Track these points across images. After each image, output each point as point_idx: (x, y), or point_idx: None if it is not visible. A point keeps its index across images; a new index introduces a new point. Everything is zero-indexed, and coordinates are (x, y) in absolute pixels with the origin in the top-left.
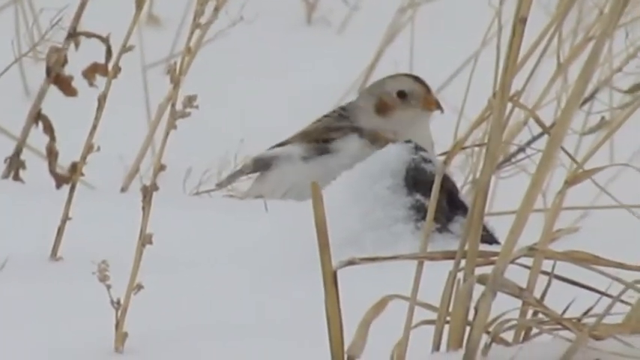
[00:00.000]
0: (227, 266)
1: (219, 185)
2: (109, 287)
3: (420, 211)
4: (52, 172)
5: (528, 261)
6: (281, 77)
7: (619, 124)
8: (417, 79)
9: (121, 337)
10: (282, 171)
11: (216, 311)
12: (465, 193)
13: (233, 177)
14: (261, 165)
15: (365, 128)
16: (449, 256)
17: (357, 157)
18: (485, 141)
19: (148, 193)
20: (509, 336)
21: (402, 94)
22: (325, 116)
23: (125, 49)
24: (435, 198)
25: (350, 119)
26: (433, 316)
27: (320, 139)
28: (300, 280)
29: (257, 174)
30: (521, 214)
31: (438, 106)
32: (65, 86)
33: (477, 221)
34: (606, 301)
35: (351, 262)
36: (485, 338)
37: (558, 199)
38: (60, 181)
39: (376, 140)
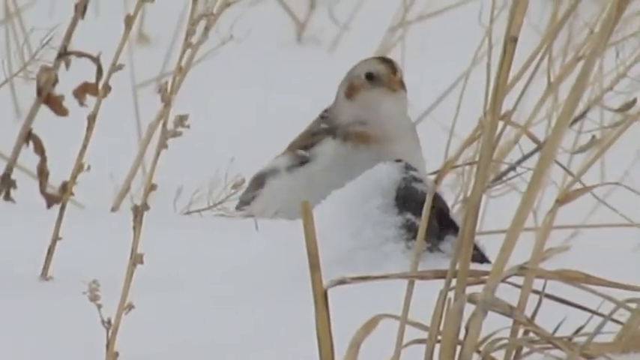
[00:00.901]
0: (218, 285)
1: (238, 208)
2: (99, 307)
3: (410, 230)
4: (43, 191)
5: (519, 280)
6: (272, 97)
7: (610, 143)
8: (384, 60)
9: (112, 357)
10: (270, 187)
11: (206, 331)
12: (455, 212)
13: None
14: (258, 183)
15: (340, 126)
16: (440, 275)
17: (334, 159)
18: (476, 160)
19: (138, 212)
20: (500, 355)
21: (369, 76)
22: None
23: (115, 68)
24: (425, 217)
25: (329, 118)
26: (424, 335)
27: (302, 146)
28: (290, 299)
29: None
30: (511, 233)
31: (402, 86)
32: (56, 106)
33: (468, 240)
34: (597, 319)
35: (341, 282)
36: (476, 357)
37: (549, 218)
38: (51, 200)
39: (348, 137)
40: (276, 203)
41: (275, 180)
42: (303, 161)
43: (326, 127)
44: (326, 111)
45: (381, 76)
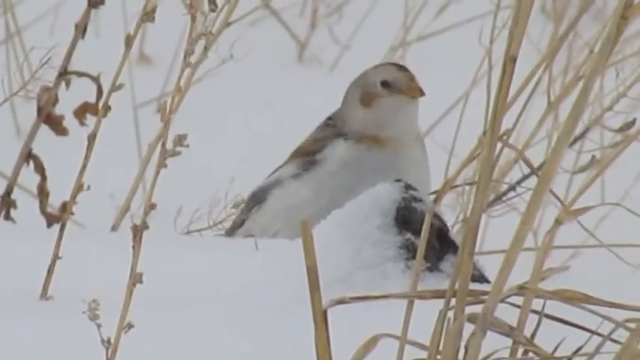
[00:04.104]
0: (218, 305)
1: (231, 229)
2: (99, 326)
3: (410, 250)
4: (43, 211)
5: (519, 300)
6: (272, 116)
7: (609, 163)
8: (400, 67)
9: None
10: (273, 198)
11: (206, 350)
12: (455, 232)
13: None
14: (258, 199)
15: (350, 131)
16: (439, 294)
17: (346, 160)
18: (476, 180)
19: (138, 232)
20: None
21: (385, 84)
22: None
23: (116, 88)
24: (425, 237)
25: (337, 126)
26: (423, 354)
27: (309, 151)
28: (290, 318)
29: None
30: (511, 253)
31: (422, 93)
32: (56, 125)
33: (467, 260)
34: (597, 340)
35: (341, 301)
36: None
37: (549, 238)
38: (51, 220)
39: (362, 139)
40: (281, 216)
41: (279, 190)
42: (311, 167)
43: (334, 132)
44: (330, 118)
45: (398, 83)
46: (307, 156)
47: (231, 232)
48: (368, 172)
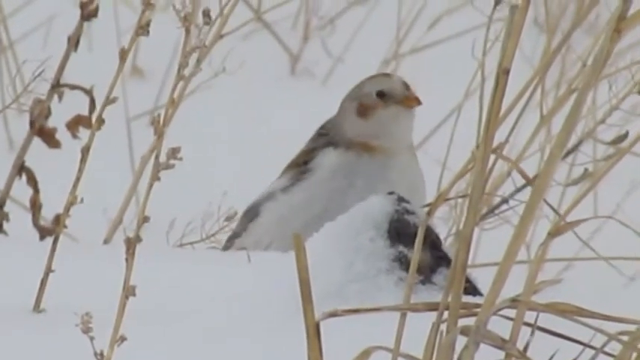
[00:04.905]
0: (210, 318)
1: (227, 243)
2: (92, 339)
3: (403, 262)
4: (36, 224)
5: (511, 312)
6: (265, 129)
7: (602, 175)
8: (395, 77)
9: None
10: (266, 211)
11: None
12: (448, 245)
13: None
14: (253, 214)
15: (342, 139)
16: (432, 307)
17: (336, 167)
18: (469, 192)
19: (131, 244)
20: None
21: (381, 94)
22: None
23: (109, 100)
24: (418, 250)
25: (330, 135)
26: None
27: (300, 163)
28: (282, 332)
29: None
30: (504, 266)
31: (419, 102)
32: (49, 138)
33: (460, 273)
34: (589, 352)
35: (333, 314)
36: None
37: (541, 251)
38: (43, 233)
39: (351, 146)
40: (275, 227)
41: (272, 203)
42: (302, 176)
43: (325, 141)
44: (322, 127)
45: (394, 93)
46: (299, 167)
47: (227, 246)
48: (359, 177)
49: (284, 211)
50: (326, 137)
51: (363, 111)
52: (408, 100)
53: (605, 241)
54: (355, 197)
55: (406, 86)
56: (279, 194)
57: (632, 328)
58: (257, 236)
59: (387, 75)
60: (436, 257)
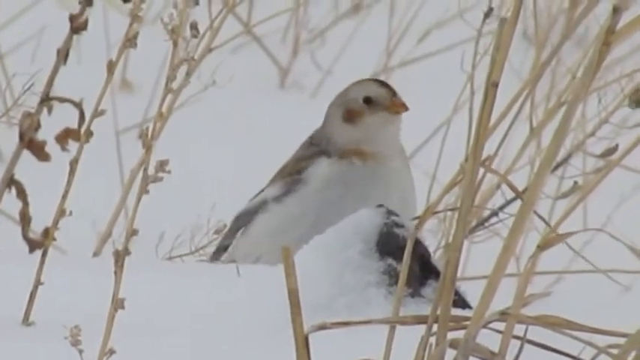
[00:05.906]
0: (199, 331)
1: (215, 254)
2: (81, 352)
3: (392, 275)
4: (25, 237)
5: (500, 325)
6: (254, 142)
7: (592, 188)
8: (381, 83)
9: None
10: (259, 221)
11: None
12: (437, 258)
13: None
14: (243, 222)
15: (333, 149)
16: (421, 320)
17: (329, 177)
18: (458, 205)
19: (120, 257)
20: None
21: (367, 100)
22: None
23: (98, 113)
24: (407, 263)
25: (320, 145)
26: None
27: (293, 171)
28: (271, 345)
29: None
30: (493, 279)
31: (405, 108)
32: (38, 151)
33: (449, 286)
34: None
35: (322, 327)
36: None
37: (531, 264)
38: (33, 246)
39: (344, 155)
40: (267, 240)
41: (264, 214)
42: (295, 186)
43: (317, 150)
44: (311, 137)
45: (380, 99)
46: (291, 176)
47: (215, 257)
48: (352, 186)
49: (277, 224)
50: (318, 147)
51: (350, 117)
52: (395, 105)
53: (595, 254)
54: (350, 206)
55: (392, 92)
56: (271, 204)
57: (621, 341)
58: (249, 248)
59: (373, 80)
60: (425, 270)
